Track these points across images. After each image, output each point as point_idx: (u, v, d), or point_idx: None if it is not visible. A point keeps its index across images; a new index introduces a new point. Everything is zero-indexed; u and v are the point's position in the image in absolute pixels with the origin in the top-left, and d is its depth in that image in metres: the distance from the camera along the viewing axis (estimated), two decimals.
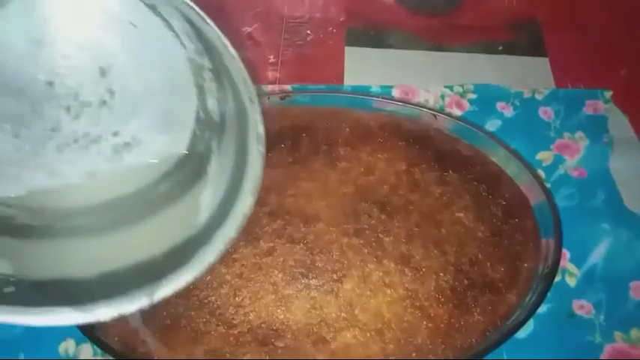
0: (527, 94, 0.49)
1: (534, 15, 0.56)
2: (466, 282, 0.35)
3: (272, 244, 0.36)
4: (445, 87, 0.49)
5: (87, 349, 0.35)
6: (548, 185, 0.44)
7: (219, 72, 0.24)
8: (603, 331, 0.37)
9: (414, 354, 0.32)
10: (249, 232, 0.36)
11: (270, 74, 0.51)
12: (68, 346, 0.35)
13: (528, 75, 0.52)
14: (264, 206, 0.38)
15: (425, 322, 0.33)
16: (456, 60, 0.53)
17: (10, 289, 0.23)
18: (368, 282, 0.35)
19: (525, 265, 0.36)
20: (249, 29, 0.54)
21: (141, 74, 0.25)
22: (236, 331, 0.33)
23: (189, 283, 0.25)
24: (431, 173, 0.40)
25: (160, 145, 0.26)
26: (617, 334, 0.36)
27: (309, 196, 0.38)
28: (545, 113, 0.48)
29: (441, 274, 0.35)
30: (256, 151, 0.23)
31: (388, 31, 0.55)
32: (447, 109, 0.48)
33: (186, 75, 0.25)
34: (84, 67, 0.24)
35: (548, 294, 0.37)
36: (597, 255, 0.40)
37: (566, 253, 0.40)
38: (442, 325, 0.33)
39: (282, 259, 0.35)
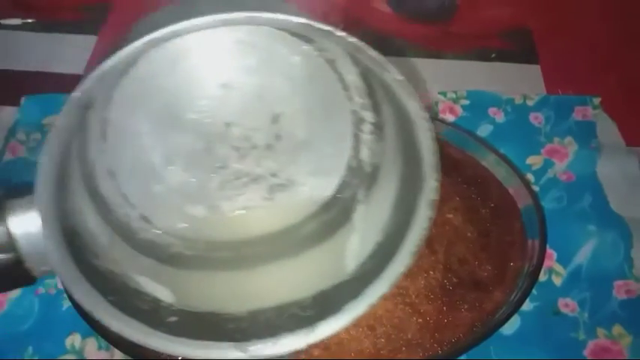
0: (518, 101, 0.51)
1: (526, 24, 0.58)
2: (455, 280, 0.36)
3: None
4: (439, 93, 0.51)
5: (92, 343, 0.37)
6: (537, 188, 0.45)
7: (382, 126, 0.25)
8: (587, 328, 0.38)
9: (403, 348, 0.34)
10: None
11: None
12: (74, 339, 0.37)
13: (520, 81, 0.53)
14: None
15: (415, 318, 0.35)
16: (450, 67, 0.54)
17: (173, 318, 0.24)
18: None
19: (511, 264, 0.37)
20: None
21: (306, 123, 0.27)
22: None
23: (335, 332, 0.25)
24: None
25: (310, 188, 0.28)
26: (600, 331, 0.38)
27: None
28: (536, 119, 0.50)
29: (431, 272, 0.37)
30: (424, 216, 0.24)
31: (386, 39, 0.56)
32: (441, 115, 0.49)
33: (347, 126, 0.27)
34: (261, 112, 0.26)
35: (535, 292, 0.39)
36: (583, 255, 0.42)
37: (552, 254, 0.42)
38: (431, 321, 0.35)
39: None
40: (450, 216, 0.39)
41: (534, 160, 0.47)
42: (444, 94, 0.51)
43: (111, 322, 0.22)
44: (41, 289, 0.39)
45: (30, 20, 0.57)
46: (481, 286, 0.36)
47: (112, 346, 0.36)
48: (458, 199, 0.40)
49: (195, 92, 0.26)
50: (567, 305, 0.39)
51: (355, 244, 0.26)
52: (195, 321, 0.24)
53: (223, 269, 0.27)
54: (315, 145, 0.27)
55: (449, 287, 0.36)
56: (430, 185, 0.23)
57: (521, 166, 0.46)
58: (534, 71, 0.54)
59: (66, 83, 0.51)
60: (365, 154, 0.27)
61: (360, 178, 0.27)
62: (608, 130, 0.50)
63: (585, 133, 0.49)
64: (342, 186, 0.28)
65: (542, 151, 0.48)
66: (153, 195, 0.27)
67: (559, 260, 0.42)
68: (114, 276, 0.24)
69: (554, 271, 0.41)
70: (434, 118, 0.45)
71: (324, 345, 0.34)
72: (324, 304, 0.25)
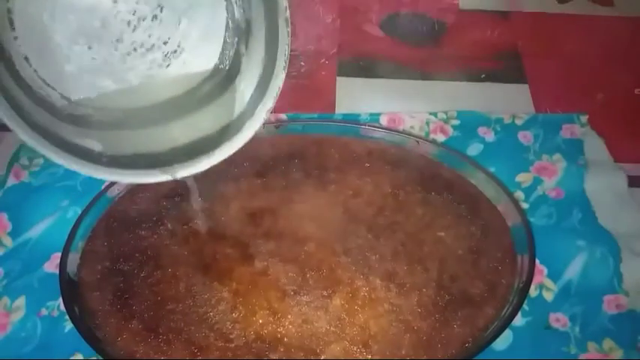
0: (507, 120, 0.52)
1: (515, 45, 0.60)
2: (447, 297, 0.37)
3: (266, 264, 0.39)
4: (430, 114, 0.52)
5: None
6: (527, 205, 0.46)
7: None
8: (578, 342, 0.39)
9: None
10: (244, 252, 0.39)
11: None
12: None
13: (510, 101, 0.55)
14: (259, 227, 0.41)
15: (408, 335, 0.36)
16: (440, 88, 0.56)
17: (105, 159, 0.30)
18: (356, 298, 0.37)
19: (502, 280, 0.38)
20: None
21: None
22: (233, 345, 0.35)
23: (246, 141, 0.32)
24: (414, 195, 0.42)
25: (199, 52, 0.34)
26: (591, 345, 0.39)
27: (301, 217, 0.41)
28: (525, 137, 0.51)
29: (424, 290, 0.38)
30: (285, 33, 0.30)
31: (377, 61, 0.58)
32: (432, 135, 0.51)
33: None
34: None
35: (526, 308, 0.40)
36: (573, 271, 0.42)
37: (543, 269, 0.42)
38: (424, 338, 0.36)
39: (275, 277, 0.38)
40: (442, 234, 0.40)
41: (524, 178, 0.48)
42: (434, 114, 0.52)
43: (56, 159, 0.28)
44: (44, 311, 0.40)
45: None
46: (472, 303, 0.37)
47: None
48: (449, 217, 0.41)
49: None
50: (558, 320, 0.40)
51: (246, 86, 0.33)
52: (124, 159, 0.31)
53: (140, 128, 0.33)
54: (196, 13, 0.32)
55: (441, 304, 0.37)
56: (282, 6, 0.29)
57: (511, 184, 0.47)
58: (523, 91, 0.56)
59: None
60: (238, 13, 0.33)
61: (239, 35, 0.33)
62: (595, 147, 0.51)
63: (573, 150, 0.50)
64: (225, 47, 0.34)
65: (532, 168, 0.49)
66: (66, 75, 0.31)
67: (549, 276, 0.42)
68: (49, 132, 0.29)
69: (544, 286, 0.42)
70: (423, 138, 0.46)
71: None
72: (228, 131, 0.32)
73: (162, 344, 0.35)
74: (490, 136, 0.51)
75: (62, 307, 0.39)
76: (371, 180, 0.43)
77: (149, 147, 0.32)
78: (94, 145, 0.30)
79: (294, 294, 0.37)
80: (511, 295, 0.37)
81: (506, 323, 0.36)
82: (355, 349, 0.35)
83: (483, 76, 0.57)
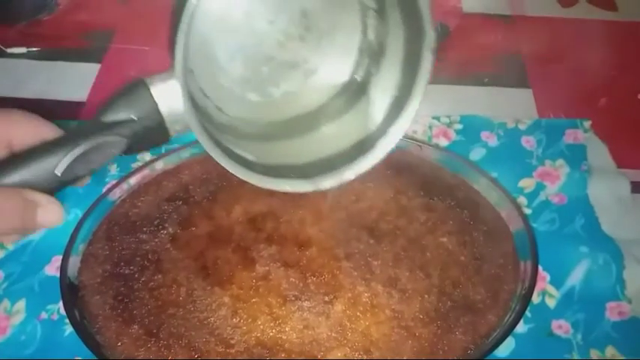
0: (510, 125, 0.52)
1: (518, 49, 0.59)
2: (449, 303, 0.37)
3: (267, 268, 0.39)
4: (433, 118, 0.52)
5: None
6: (529, 211, 0.46)
7: (383, 11, 0.34)
8: (580, 349, 0.39)
9: None
10: (245, 257, 0.39)
11: None
12: None
13: (513, 106, 0.55)
14: (260, 232, 0.40)
15: (410, 342, 0.36)
16: (444, 92, 0.56)
17: (259, 167, 0.32)
18: (357, 304, 0.37)
19: (505, 287, 0.38)
20: None
21: (327, 15, 0.35)
22: (233, 350, 0.35)
23: (380, 159, 0.34)
24: (417, 200, 0.42)
25: (333, 70, 0.36)
26: (594, 352, 0.38)
27: (302, 222, 0.41)
28: (528, 142, 0.51)
29: (426, 296, 0.37)
30: (430, 62, 0.31)
31: None
32: (435, 139, 0.51)
33: (356, 15, 0.35)
34: (294, 9, 0.34)
35: (529, 314, 0.40)
36: (576, 277, 0.42)
37: (546, 276, 0.42)
38: (426, 344, 0.36)
39: (276, 282, 0.38)
40: (444, 240, 0.40)
41: (526, 183, 0.48)
42: (437, 118, 0.52)
43: (222, 162, 0.30)
44: (44, 315, 0.40)
45: (35, 49, 0.59)
46: (475, 310, 0.37)
47: None
48: (451, 222, 0.41)
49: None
50: (561, 327, 0.40)
51: (376, 105, 0.35)
52: (274, 168, 0.33)
53: (281, 139, 0.36)
54: (335, 34, 0.35)
55: (443, 311, 0.37)
56: (430, 36, 0.30)
57: (514, 189, 0.47)
58: (526, 95, 0.56)
59: (69, 110, 0.53)
60: (371, 35, 0.35)
61: (370, 56, 0.35)
62: (599, 152, 0.51)
63: (576, 155, 0.50)
64: (357, 65, 0.36)
65: (534, 174, 0.49)
66: (221, 87, 0.34)
67: (552, 282, 0.42)
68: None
69: (547, 292, 0.42)
70: (425, 143, 0.46)
71: None
72: (361, 147, 0.34)
73: (162, 349, 0.35)
74: (493, 141, 0.51)
75: (62, 311, 0.39)
76: (373, 185, 0.43)
77: (293, 158, 0.34)
78: (248, 155, 0.32)
79: (296, 299, 0.37)
80: (513, 302, 0.37)
81: (509, 330, 0.35)
82: (356, 355, 0.35)
83: (486, 80, 0.57)
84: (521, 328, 0.40)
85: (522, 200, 0.47)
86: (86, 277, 0.38)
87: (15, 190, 0.27)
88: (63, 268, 0.38)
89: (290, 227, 0.41)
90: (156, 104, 0.28)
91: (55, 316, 0.40)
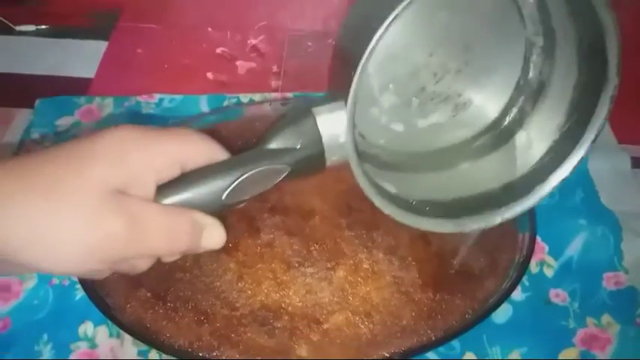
0: None
1: None
2: (448, 270, 0.38)
3: (272, 236, 0.40)
4: None
5: (103, 330, 0.39)
6: None
7: (552, 49, 0.32)
8: (577, 317, 0.40)
9: (398, 334, 0.35)
10: (250, 225, 0.40)
11: (274, 83, 0.55)
12: (87, 327, 0.39)
13: None
14: (265, 202, 0.41)
15: (409, 306, 0.37)
16: None
17: (402, 204, 0.31)
18: (359, 270, 0.38)
19: (503, 255, 0.39)
20: (254, 41, 0.58)
21: (489, 51, 0.33)
22: (238, 313, 0.36)
23: (533, 204, 0.33)
24: None
25: (485, 105, 0.35)
26: (590, 320, 0.39)
27: (306, 193, 0.42)
28: None
29: (426, 264, 0.38)
30: (605, 109, 0.30)
31: None
32: None
33: (520, 51, 0.33)
34: (456, 42, 0.33)
35: (527, 283, 0.41)
36: (574, 248, 0.43)
37: (544, 247, 0.43)
38: (425, 309, 0.37)
39: (280, 249, 0.39)
40: None
41: None
42: None
43: (373, 199, 0.30)
44: (55, 280, 0.41)
45: (43, 26, 0.60)
46: (473, 277, 0.38)
47: (122, 333, 0.38)
48: None
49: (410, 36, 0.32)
50: (558, 295, 0.41)
51: (531, 145, 0.33)
52: (415, 204, 0.32)
53: (421, 172, 0.35)
54: (493, 69, 0.34)
55: (442, 277, 0.38)
56: (613, 83, 0.29)
57: None
58: None
59: (78, 87, 0.54)
60: (533, 73, 0.33)
61: (526, 94, 0.34)
62: None
63: None
64: (509, 103, 0.34)
65: None
66: (369, 116, 0.33)
67: (551, 253, 0.43)
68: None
69: (545, 263, 0.43)
70: None
71: (322, 330, 0.36)
72: (513, 190, 0.33)
73: (169, 311, 0.36)
74: None
75: (73, 277, 0.40)
76: None
77: (433, 194, 0.33)
78: (388, 186, 0.32)
79: (299, 265, 0.38)
80: (511, 270, 0.38)
81: (506, 296, 0.36)
82: (357, 318, 0.36)
83: None
84: (519, 296, 0.41)
85: None
86: None
87: (186, 210, 0.26)
88: None
89: (294, 198, 0.42)
90: (320, 134, 0.28)
91: (66, 282, 0.41)
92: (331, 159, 0.29)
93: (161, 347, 0.35)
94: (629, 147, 0.50)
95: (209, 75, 0.55)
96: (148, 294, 0.37)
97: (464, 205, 0.33)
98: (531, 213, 0.41)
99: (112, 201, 0.24)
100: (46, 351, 0.38)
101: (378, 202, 0.29)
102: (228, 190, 0.27)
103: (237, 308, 0.37)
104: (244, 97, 0.53)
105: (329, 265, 0.38)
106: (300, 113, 0.29)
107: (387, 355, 0.34)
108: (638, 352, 0.37)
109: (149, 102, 0.52)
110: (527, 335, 0.39)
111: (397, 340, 0.35)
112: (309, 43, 0.58)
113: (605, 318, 0.39)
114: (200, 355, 0.35)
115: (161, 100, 0.52)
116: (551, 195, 0.46)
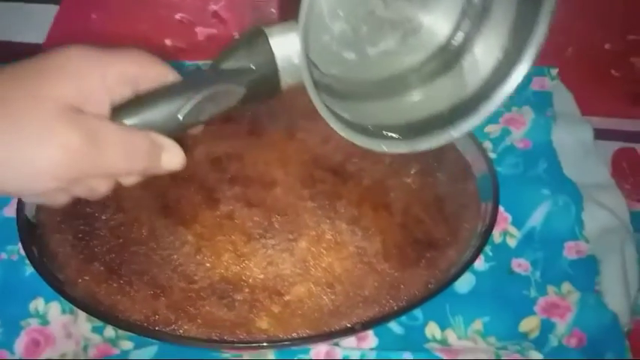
0: None
1: None
2: (411, 240, 0.38)
3: (232, 207, 0.38)
4: None
5: (56, 307, 0.37)
6: (495, 155, 0.47)
7: None
8: (538, 286, 0.40)
9: (361, 305, 0.35)
10: (209, 197, 0.39)
11: None
12: (38, 304, 0.37)
13: None
14: (224, 173, 0.40)
15: (372, 276, 0.36)
16: None
17: (358, 128, 0.32)
18: (321, 241, 0.37)
19: (465, 225, 0.39)
20: (215, 7, 0.56)
21: None
22: (196, 286, 0.35)
23: (481, 121, 0.33)
24: None
25: (432, 31, 0.35)
26: (550, 288, 0.40)
27: (268, 163, 0.41)
28: None
29: (388, 234, 0.38)
30: (545, 27, 0.31)
31: None
32: None
33: None
34: None
35: (490, 253, 0.41)
36: (536, 218, 0.43)
37: (508, 217, 0.43)
38: (388, 279, 0.36)
39: (241, 221, 0.38)
40: (408, 180, 0.40)
41: (493, 129, 0.49)
42: None
43: (330, 121, 0.30)
44: (3, 255, 0.39)
45: None
46: (436, 246, 0.38)
47: (75, 309, 0.36)
48: (416, 164, 0.41)
49: None
50: (520, 265, 0.41)
51: (477, 67, 0.34)
52: (368, 128, 0.32)
53: (375, 99, 0.35)
54: None
55: (405, 247, 0.37)
56: (551, 3, 0.30)
57: (480, 135, 0.47)
58: None
59: (27, 53, 0.51)
60: None
61: (472, 17, 0.34)
62: (564, 100, 0.51)
63: (542, 102, 0.50)
64: (457, 27, 0.35)
65: (501, 120, 0.49)
66: (321, 44, 0.33)
67: (514, 223, 0.43)
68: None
69: (508, 233, 0.43)
70: None
71: (284, 302, 0.35)
72: (459, 110, 0.33)
73: (124, 285, 0.35)
74: None
75: (22, 252, 0.38)
76: None
77: (385, 119, 0.33)
78: (344, 113, 0.32)
79: (260, 237, 0.37)
80: (473, 239, 0.38)
81: (468, 265, 0.36)
82: (319, 289, 0.35)
83: None
84: (482, 266, 0.41)
85: (488, 145, 0.47)
86: (45, 216, 0.38)
87: (143, 132, 0.26)
88: (19, 206, 0.37)
89: (255, 168, 0.41)
90: (273, 55, 0.28)
91: (15, 257, 0.39)
92: (286, 81, 0.29)
93: (116, 322, 0.34)
94: (592, 119, 0.50)
95: (167, 41, 0.53)
96: (101, 268, 0.36)
97: (415, 127, 0.33)
98: (494, 182, 0.41)
99: (66, 116, 0.24)
100: None
101: (334, 123, 0.30)
102: (184, 110, 0.27)
103: (196, 281, 0.35)
104: (204, 65, 0.51)
105: (291, 237, 0.37)
106: (253, 33, 0.29)
107: (349, 325, 0.34)
108: (597, 319, 0.38)
109: None
110: (490, 304, 0.39)
111: (359, 310, 0.35)
112: (273, 10, 0.56)
113: (566, 286, 0.40)
114: (157, 329, 0.34)
115: None
116: (515, 165, 0.47)
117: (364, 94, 0.35)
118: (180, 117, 0.27)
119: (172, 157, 0.28)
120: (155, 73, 0.27)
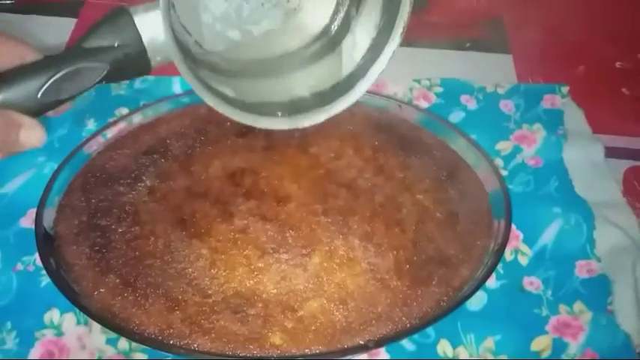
0: (490, 89, 0.52)
1: (500, 14, 0.60)
2: (423, 257, 0.38)
3: (246, 222, 0.39)
4: (413, 80, 0.52)
5: (71, 318, 0.38)
6: (506, 172, 0.47)
7: None
8: (550, 304, 0.40)
9: (373, 321, 0.35)
10: (224, 211, 0.39)
11: None
12: (53, 315, 0.38)
13: (493, 70, 0.55)
14: (239, 187, 0.41)
15: (385, 293, 0.36)
16: (425, 55, 0.56)
17: (239, 104, 0.33)
18: (334, 257, 0.38)
19: (478, 242, 0.39)
20: None
21: None
22: (211, 300, 0.36)
23: (357, 98, 0.35)
24: (395, 159, 0.43)
25: (313, 12, 0.37)
26: (562, 307, 0.40)
27: (281, 178, 0.41)
28: (506, 106, 0.51)
29: (401, 250, 0.38)
30: (408, 4, 0.33)
31: None
32: (415, 101, 0.51)
33: None
34: None
35: (501, 271, 0.41)
36: (548, 236, 0.43)
37: (519, 235, 0.43)
38: (400, 296, 0.36)
39: (255, 235, 0.38)
40: (420, 197, 0.41)
41: (504, 146, 0.49)
42: (418, 81, 0.52)
43: (200, 93, 0.31)
44: (20, 266, 0.39)
45: (9, 1, 0.57)
46: (448, 264, 0.38)
47: (90, 320, 0.37)
48: (428, 181, 0.42)
49: None
50: (532, 283, 0.41)
51: (355, 47, 0.36)
52: (254, 106, 0.34)
53: (260, 77, 0.37)
54: None
55: (417, 264, 0.38)
56: None
57: (491, 152, 0.47)
58: (506, 60, 0.56)
59: None
60: None
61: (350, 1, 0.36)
62: (575, 117, 0.52)
63: (553, 120, 0.51)
64: (337, 8, 0.37)
65: (512, 137, 0.49)
66: (202, 24, 0.34)
67: (525, 241, 0.43)
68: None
69: (520, 251, 0.43)
70: (405, 103, 0.46)
71: (297, 318, 0.35)
72: (339, 89, 0.35)
73: (139, 298, 0.35)
74: (472, 104, 0.51)
75: (38, 263, 0.39)
76: (352, 143, 0.43)
77: (271, 97, 0.36)
78: (227, 90, 0.33)
79: (273, 252, 0.38)
80: (486, 257, 0.38)
81: (481, 283, 0.36)
82: (332, 305, 0.36)
83: (468, 44, 0.57)
84: (493, 284, 0.41)
85: (499, 162, 0.48)
86: (62, 228, 0.38)
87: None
88: (38, 218, 0.38)
89: (269, 183, 0.41)
90: (138, 32, 0.29)
91: (31, 268, 0.39)
92: (155, 59, 0.30)
93: (130, 335, 0.34)
94: (603, 137, 0.51)
95: None
96: (117, 280, 0.36)
97: (297, 105, 0.35)
98: (506, 200, 0.41)
99: None
100: (10, 339, 0.36)
101: (208, 98, 0.31)
102: (43, 88, 0.28)
103: (210, 295, 0.36)
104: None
105: (304, 252, 0.38)
106: (116, 12, 0.30)
107: (362, 343, 0.34)
108: (609, 339, 0.38)
109: (119, 82, 0.50)
110: (501, 323, 0.39)
111: (372, 327, 0.35)
112: None
113: (578, 306, 0.40)
114: (171, 342, 0.34)
115: (132, 80, 0.51)
116: (526, 183, 0.47)
117: (251, 73, 0.37)
118: (39, 95, 0.28)
119: (31, 134, 0.29)
120: (14, 52, 0.28)
